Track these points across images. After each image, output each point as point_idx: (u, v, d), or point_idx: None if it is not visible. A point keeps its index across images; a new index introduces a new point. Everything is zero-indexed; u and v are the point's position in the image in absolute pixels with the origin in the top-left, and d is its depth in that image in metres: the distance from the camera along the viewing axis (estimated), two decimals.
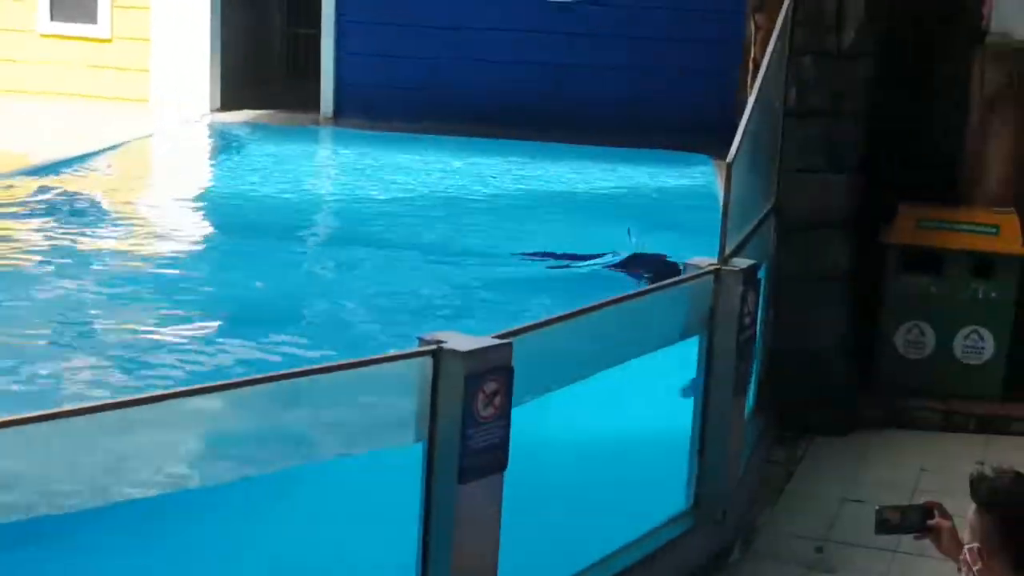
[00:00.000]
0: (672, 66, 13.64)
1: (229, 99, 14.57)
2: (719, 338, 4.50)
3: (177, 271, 7.73)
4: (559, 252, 8.43)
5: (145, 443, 2.72)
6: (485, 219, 9.52)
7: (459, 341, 3.23)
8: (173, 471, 2.79)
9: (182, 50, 14.17)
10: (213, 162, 12.19)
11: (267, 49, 17.08)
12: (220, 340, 6.36)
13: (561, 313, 3.68)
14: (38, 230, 8.58)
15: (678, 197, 10.83)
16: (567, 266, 8.11)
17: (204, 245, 8.39)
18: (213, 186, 10.78)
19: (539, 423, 4.16)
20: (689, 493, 4.59)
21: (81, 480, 2.63)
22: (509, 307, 7.00)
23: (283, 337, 6.40)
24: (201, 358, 6.09)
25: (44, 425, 2.51)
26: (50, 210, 9.02)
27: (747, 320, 4.60)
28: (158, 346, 6.24)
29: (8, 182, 9.83)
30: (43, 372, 5.74)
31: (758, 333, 4.99)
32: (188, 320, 6.70)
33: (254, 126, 13.80)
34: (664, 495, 4.67)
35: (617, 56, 13.82)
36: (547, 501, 4.56)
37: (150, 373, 5.77)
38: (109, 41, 14.24)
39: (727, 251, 4.58)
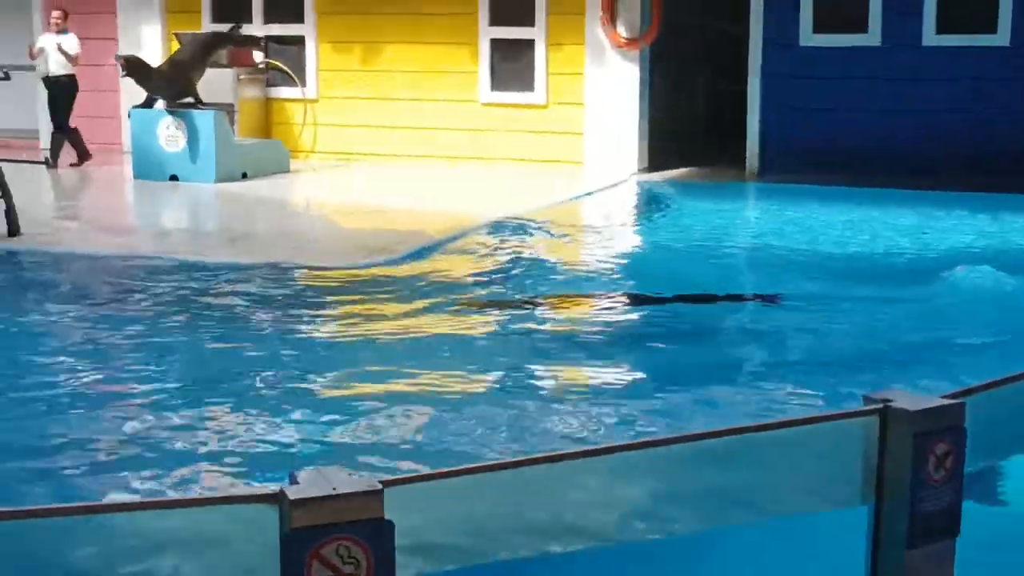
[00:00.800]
0: None
1: (656, 158, 14.90)
2: None
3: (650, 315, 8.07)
4: None
5: (581, 495, 2.78)
6: (929, 273, 9.10)
7: (907, 400, 3.11)
8: (607, 525, 2.81)
9: (613, 113, 14.62)
10: (655, 217, 12.42)
11: (692, 107, 17.35)
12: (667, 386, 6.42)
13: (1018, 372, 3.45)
14: (504, 270, 9.22)
15: None
16: None
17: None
18: (666, 238, 10.99)
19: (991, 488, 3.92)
20: None
21: (531, 528, 2.70)
22: (958, 363, 6.65)
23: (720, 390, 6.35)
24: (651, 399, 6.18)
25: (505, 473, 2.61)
26: (514, 258, 9.63)
27: None
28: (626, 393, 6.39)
29: (477, 229, 10.72)
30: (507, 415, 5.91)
31: None
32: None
33: (683, 184, 14.01)
34: None
35: None
36: (1004, 570, 4.28)
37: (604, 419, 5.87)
38: (545, 107, 14.91)
39: None
